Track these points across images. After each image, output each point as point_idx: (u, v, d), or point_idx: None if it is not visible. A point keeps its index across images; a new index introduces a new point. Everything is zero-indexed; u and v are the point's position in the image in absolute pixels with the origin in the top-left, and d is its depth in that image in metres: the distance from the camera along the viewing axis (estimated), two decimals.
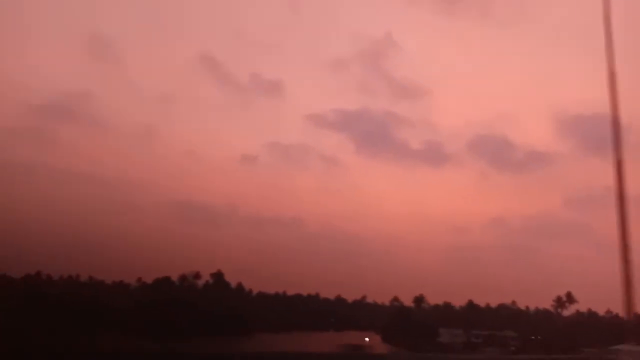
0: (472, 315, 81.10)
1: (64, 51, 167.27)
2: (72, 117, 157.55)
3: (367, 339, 77.27)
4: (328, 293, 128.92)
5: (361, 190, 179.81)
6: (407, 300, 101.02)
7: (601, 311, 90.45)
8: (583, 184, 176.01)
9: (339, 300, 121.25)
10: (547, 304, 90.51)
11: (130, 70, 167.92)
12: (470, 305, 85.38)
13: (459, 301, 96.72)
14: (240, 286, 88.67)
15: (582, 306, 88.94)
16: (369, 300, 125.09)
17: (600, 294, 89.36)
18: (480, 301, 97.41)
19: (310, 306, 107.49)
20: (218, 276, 79.94)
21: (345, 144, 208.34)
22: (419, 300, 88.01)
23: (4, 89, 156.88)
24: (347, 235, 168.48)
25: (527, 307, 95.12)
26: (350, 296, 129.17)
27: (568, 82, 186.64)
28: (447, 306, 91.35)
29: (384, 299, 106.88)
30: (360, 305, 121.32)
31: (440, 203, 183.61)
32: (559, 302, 76.74)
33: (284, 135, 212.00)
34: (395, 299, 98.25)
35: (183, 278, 74.40)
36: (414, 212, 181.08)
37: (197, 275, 77.20)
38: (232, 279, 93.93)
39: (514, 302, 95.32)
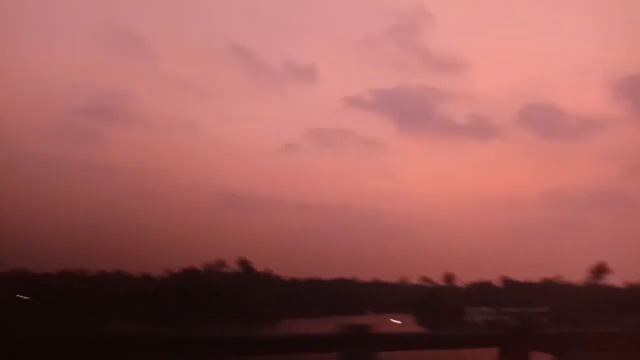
0: (508, 292, 77.60)
1: (97, 51, 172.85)
2: (113, 116, 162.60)
3: (394, 321, 75.61)
4: (368, 276, 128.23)
5: (405, 171, 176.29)
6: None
7: None
8: None
9: (377, 283, 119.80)
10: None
11: (164, 66, 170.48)
12: (507, 282, 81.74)
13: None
14: (268, 272, 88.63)
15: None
16: (413, 282, 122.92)
17: None
18: (529, 277, 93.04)
19: (347, 290, 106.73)
20: (244, 264, 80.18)
21: (385, 125, 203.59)
22: (450, 278, 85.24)
23: (44, 92, 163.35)
24: (394, 218, 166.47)
25: (571, 283, 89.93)
26: (392, 278, 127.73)
27: (619, 41, 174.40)
28: (485, 284, 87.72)
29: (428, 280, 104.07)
30: (402, 287, 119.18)
31: (490, 179, 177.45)
32: (596, 273, 71.86)
33: (323, 120, 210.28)
34: (426, 278, 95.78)
35: (208, 267, 75.18)
36: (462, 190, 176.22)
37: (221, 263, 77.76)
38: (272, 267, 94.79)
39: (558, 277, 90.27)
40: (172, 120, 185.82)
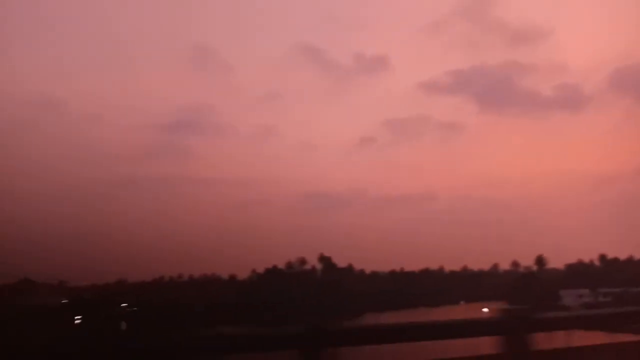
0: (607, 271, 71.62)
1: (173, 67, 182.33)
2: (196, 130, 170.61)
3: (485, 309, 72.48)
4: (457, 266, 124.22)
5: (491, 152, 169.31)
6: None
7: None
8: None
9: (466, 271, 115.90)
10: None
11: (237, 75, 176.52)
12: (606, 261, 75.43)
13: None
14: (350, 267, 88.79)
15: None
16: (502, 268, 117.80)
17: None
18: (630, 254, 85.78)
19: (434, 281, 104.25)
20: (325, 260, 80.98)
21: (465, 106, 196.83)
22: (541, 261, 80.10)
23: (132, 113, 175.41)
24: (482, 204, 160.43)
25: None
26: (481, 266, 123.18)
27: None
28: (582, 265, 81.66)
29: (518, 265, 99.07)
30: (494, 274, 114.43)
31: (583, 153, 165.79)
32: None
33: (399, 110, 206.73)
34: (516, 263, 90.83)
35: (289, 265, 76.78)
36: (554, 168, 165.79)
37: (302, 261, 79.10)
38: (358, 262, 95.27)
39: None
40: (251, 126, 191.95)
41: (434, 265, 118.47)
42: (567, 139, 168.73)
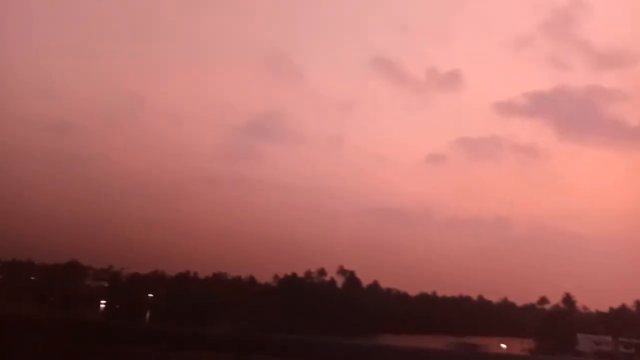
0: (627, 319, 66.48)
1: (249, 73, 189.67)
2: (268, 134, 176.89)
3: (503, 345, 69.66)
4: (496, 296, 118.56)
5: (569, 182, 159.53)
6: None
7: None
8: None
9: (506, 303, 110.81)
10: None
11: (310, 82, 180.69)
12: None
13: None
14: (374, 285, 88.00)
15: None
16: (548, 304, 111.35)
17: None
18: None
19: (465, 309, 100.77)
20: (348, 273, 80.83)
21: (543, 130, 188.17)
22: (569, 301, 75.10)
23: (210, 113, 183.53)
24: (556, 235, 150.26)
25: None
26: (525, 300, 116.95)
27: None
28: (619, 310, 76.11)
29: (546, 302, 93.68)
30: (530, 309, 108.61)
31: None
32: None
33: (471, 129, 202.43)
34: (544, 299, 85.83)
35: (308, 275, 77.41)
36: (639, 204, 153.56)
37: (322, 272, 79.38)
38: (396, 282, 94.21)
39: None
40: (321, 135, 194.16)
41: (474, 294, 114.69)
42: None
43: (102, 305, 77.88)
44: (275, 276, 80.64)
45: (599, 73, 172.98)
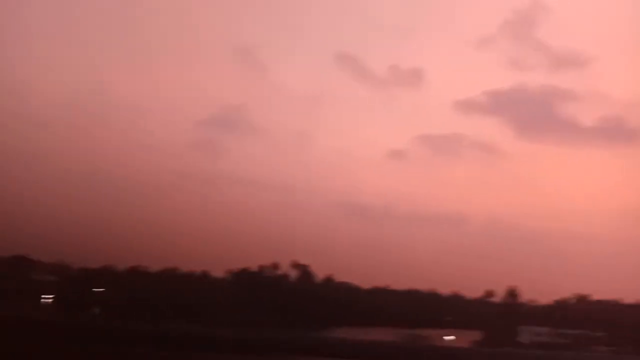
0: (585, 312, 69.94)
1: (215, 66, 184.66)
2: (232, 128, 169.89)
3: (448, 337, 72.27)
4: (448, 289, 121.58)
5: (527, 180, 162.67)
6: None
7: None
8: None
9: (456, 296, 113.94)
10: None
11: (275, 76, 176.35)
12: (583, 301, 73.58)
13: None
14: (329, 279, 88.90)
15: None
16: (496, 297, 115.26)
17: None
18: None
19: (417, 302, 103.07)
20: (301, 268, 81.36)
21: (502, 129, 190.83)
22: (513, 294, 78.54)
23: (172, 107, 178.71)
24: (514, 231, 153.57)
25: None
26: (476, 293, 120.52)
27: None
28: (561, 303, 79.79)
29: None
30: (482, 303, 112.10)
31: (628, 189, 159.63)
32: None
33: (433, 126, 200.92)
34: (491, 292, 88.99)
35: (261, 269, 77.47)
36: (592, 202, 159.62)
37: (275, 266, 79.67)
38: (354, 276, 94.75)
39: None
40: (285, 129, 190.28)
41: (427, 287, 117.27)
42: (609, 174, 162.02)
43: (46, 300, 75.68)
44: (229, 270, 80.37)
45: (556, 74, 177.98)
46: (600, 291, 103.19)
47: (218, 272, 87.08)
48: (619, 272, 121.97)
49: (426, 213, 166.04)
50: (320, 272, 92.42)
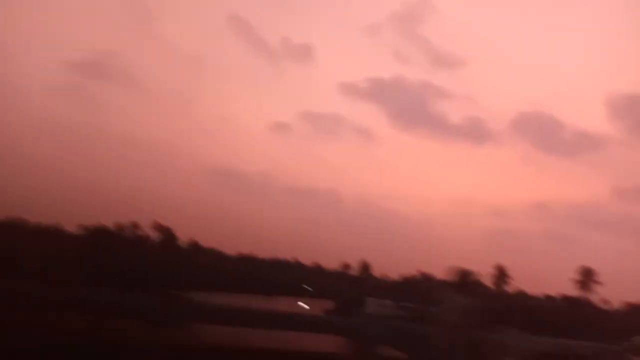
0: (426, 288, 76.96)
1: (93, 8, 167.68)
2: (106, 76, 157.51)
3: (302, 304, 75.50)
4: (310, 260, 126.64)
5: (396, 166, 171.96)
6: None
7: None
8: (633, 171, 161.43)
9: (318, 267, 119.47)
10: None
11: (160, 30, 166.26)
12: (426, 277, 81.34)
13: None
14: (194, 243, 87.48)
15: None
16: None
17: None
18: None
19: (277, 270, 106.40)
20: (164, 230, 78.80)
21: (379, 116, 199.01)
22: (365, 267, 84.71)
23: (36, 45, 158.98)
24: (381, 212, 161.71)
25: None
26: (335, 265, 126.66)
27: (624, 60, 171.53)
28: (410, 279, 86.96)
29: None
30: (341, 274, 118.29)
31: (480, 183, 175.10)
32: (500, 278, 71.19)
33: (317, 103, 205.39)
34: (347, 266, 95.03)
35: (120, 228, 73.67)
36: (451, 191, 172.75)
37: (135, 225, 76.35)
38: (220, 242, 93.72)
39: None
40: (166, 87, 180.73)
41: (293, 257, 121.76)
42: (468, 168, 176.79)
43: None
44: (83, 226, 75.09)
45: (433, 71, 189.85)
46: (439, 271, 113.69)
47: (71, 226, 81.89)
48: (459, 254, 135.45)
49: (302, 187, 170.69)
50: (186, 237, 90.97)
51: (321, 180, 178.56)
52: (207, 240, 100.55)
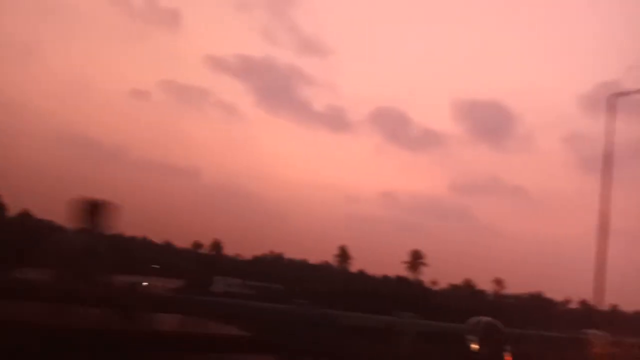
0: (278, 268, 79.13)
1: None
2: None
3: (145, 283, 72.62)
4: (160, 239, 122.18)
5: (260, 146, 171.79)
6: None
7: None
8: (470, 169, 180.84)
9: (169, 245, 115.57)
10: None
11: None
12: (278, 259, 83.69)
13: None
14: (25, 213, 79.25)
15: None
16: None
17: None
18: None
19: (135, 249, 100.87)
20: None
21: (245, 94, 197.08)
22: (217, 246, 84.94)
23: None
24: (239, 190, 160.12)
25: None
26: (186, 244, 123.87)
27: (469, 67, 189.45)
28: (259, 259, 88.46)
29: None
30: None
31: (337, 170, 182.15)
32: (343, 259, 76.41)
33: (181, 74, 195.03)
34: (198, 244, 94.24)
35: None
36: (310, 175, 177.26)
37: None
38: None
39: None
40: (10, 37, 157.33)
41: (144, 234, 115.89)
42: (326, 154, 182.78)
43: None
44: None
45: (301, 56, 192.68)
46: (290, 252, 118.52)
47: None
48: (313, 238, 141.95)
49: (160, 161, 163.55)
50: (12, 207, 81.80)
51: (180, 154, 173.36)
52: (43, 213, 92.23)
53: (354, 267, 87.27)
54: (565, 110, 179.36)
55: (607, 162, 14.73)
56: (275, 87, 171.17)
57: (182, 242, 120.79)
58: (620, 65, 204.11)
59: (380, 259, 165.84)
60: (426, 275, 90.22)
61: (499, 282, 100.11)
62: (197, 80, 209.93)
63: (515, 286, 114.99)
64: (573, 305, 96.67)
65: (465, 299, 73.28)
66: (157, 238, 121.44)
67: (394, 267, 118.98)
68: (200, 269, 77.16)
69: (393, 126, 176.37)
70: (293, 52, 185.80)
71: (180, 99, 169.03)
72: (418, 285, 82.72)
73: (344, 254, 73.33)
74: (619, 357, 13.99)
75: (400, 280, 78.28)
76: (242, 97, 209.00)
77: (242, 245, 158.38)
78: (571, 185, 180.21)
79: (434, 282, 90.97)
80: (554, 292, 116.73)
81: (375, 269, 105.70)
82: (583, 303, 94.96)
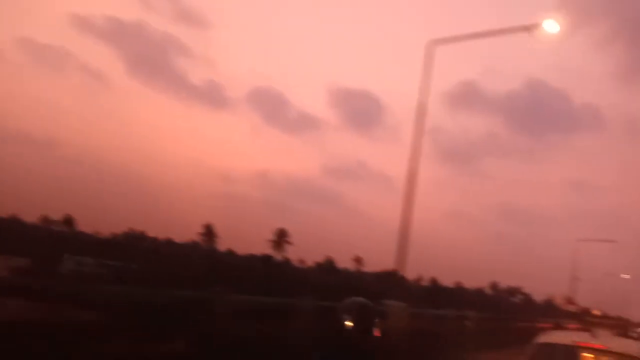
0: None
1: None
2: None
3: None
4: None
5: (130, 118, 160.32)
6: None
7: None
8: (341, 154, 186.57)
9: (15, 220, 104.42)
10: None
11: None
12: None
13: None
14: None
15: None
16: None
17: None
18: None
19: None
20: None
21: (115, 60, 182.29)
22: (69, 222, 78.90)
23: None
24: (101, 163, 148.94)
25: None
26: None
27: (349, 56, 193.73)
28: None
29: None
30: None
31: (212, 147, 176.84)
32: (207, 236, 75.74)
33: (40, 31, 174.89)
34: (48, 220, 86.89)
35: None
36: (184, 151, 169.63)
37: None
38: None
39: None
40: None
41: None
42: (203, 131, 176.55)
43: None
44: None
45: (178, 25, 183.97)
46: (154, 229, 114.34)
47: None
48: (181, 217, 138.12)
49: (10, 128, 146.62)
50: None
51: (37, 122, 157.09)
52: None
53: (222, 246, 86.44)
54: (429, 105, 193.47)
55: (421, 112, 15.70)
56: (149, 56, 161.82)
57: (32, 217, 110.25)
58: (479, 67, 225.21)
59: (249, 238, 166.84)
60: (293, 254, 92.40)
61: (358, 260, 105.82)
62: (59, 40, 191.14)
63: (374, 264, 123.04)
64: (424, 283, 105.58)
65: (325, 276, 76.35)
66: (1, 212, 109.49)
67: (262, 245, 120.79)
68: (50, 247, 70.74)
69: (271, 107, 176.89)
70: (169, 19, 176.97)
71: (39, 59, 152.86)
72: (286, 264, 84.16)
73: (209, 233, 71.74)
74: (415, 329, 15.19)
75: (264, 258, 78.86)
76: (111, 64, 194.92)
77: (102, 222, 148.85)
78: (429, 173, 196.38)
79: (301, 261, 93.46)
80: (408, 272, 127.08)
81: (244, 248, 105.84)
82: (432, 280, 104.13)
